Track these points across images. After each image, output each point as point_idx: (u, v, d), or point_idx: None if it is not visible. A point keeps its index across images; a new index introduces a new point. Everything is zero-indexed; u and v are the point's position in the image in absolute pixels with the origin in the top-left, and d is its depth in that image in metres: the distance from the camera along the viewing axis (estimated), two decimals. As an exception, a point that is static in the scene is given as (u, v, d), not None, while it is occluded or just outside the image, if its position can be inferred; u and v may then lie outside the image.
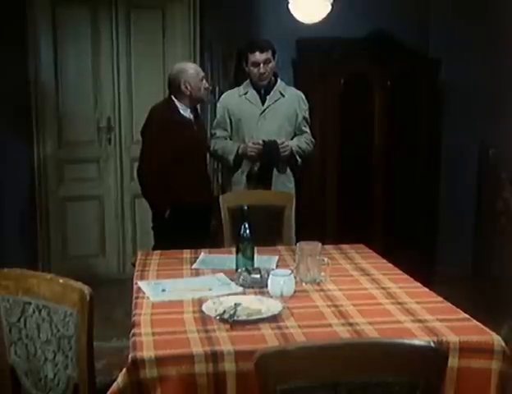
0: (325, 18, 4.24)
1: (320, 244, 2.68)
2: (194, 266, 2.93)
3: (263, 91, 4.08)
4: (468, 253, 5.48)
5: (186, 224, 3.83)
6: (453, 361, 1.99)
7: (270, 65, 3.99)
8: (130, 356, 1.94)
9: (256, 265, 2.73)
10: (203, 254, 3.11)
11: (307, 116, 4.16)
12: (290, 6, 4.23)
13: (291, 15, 4.29)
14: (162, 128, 3.84)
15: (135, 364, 1.91)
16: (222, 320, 2.16)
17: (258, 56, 3.97)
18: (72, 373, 2.11)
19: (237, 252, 2.75)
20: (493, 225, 5.11)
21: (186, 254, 3.14)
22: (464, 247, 5.46)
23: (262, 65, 3.97)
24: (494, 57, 5.08)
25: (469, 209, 5.52)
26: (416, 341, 1.82)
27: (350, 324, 2.17)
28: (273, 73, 4.10)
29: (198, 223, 3.91)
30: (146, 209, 4.20)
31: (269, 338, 2.04)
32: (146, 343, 2.01)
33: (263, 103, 4.06)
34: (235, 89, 4.24)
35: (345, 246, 3.32)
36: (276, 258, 3.03)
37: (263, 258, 2.92)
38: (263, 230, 3.24)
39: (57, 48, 5.29)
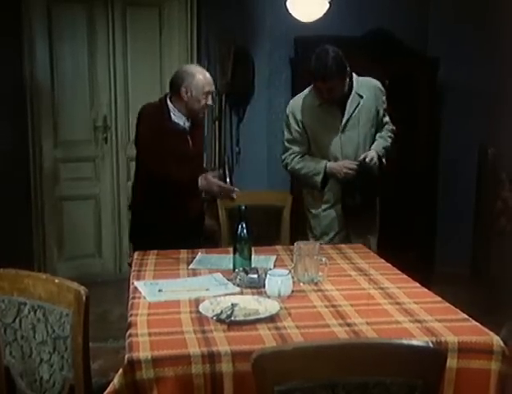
0: (323, 16, 4.23)
1: (318, 243, 2.67)
2: (191, 266, 2.91)
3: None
4: (467, 253, 5.48)
5: (173, 241, 3.28)
6: (452, 362, 1.98)
7: (338, 88, 3.45)
8: (126, 357, 1.92)
9: (253, 265, 2.72)
10: (200, 254, 3.09)
11: (386, 106, 3.71)
12: (287, 4, 4.22)
13: (289, 13, 4.27)
14: (150, 135, 3.39)
15: (132, 364, 1.90)
16: (219, 320, 2.15)
17: (321, 84, 3.45)
18: (68, 374, 2.09)
19: (234, 252, 2.74)
20: (492, 225, 5.10)
21: (183, 254, 3.12)
22: (463, 247, 5.45)
23: (325, 91, 3.46)
24: (493, 56, 5.08)
25: (468, 209, 5.52)
26: (414, 342, 1.81)
27: (348, 325, 2.15)
28: (349, 74, 3.56)
29: (186, 239, 3.38)
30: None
31: (266, 338, 2.03)
32: (142, 344, 1.99)
33: (342, 112, 3.55)
34: (306, 94, 3.64)
35: (343, 246, 3.31)
36: (274, 258, 3.01)
37: (261, 258, 2.91)
38: (261, 230, 3.22)
39: (53, 47, 5.28)
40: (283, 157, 3.72)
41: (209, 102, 3.49)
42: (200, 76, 3.44)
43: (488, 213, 5.23)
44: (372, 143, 3.64)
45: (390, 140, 3.72)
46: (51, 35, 5.25)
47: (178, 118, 3.46)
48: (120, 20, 5.37)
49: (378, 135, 3.68)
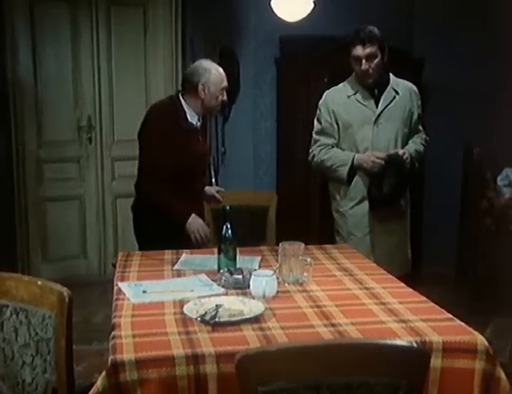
0: (308, 16, 4.23)
1: (303, 244, 2.66)
2: (176, 267, 2.89)
3: (377, 90, 3.50)
4: (452, 253, 5.49)
5: (174, 241, 3.25)
6: (436, 361, 1.98)
7: (375, 61, 3.39)
8: (109, 359, 1.90)
9: (238, 266, 2.70)
10: (184, 255, 3.08)
11: (420, 111, 3.67)
12: (272, 3, 4.22)
13: (274, 12, 4.28)
14: (164, 136, 3.26)
15: (115, 366, 1.88)
16: (204, 322, 2.13)
17: (360, 50, 3.37)
18: (51, 376, 2.07)
19: (219, 252, 2.72)
20: (477, 224, 5.12)
21: (168, 254, 3.10)
22: (449, 247, 5.47)
23: (364, 61, 3.37)
24: (478, 56, 5.10)
25: (454, 209, 5.54)
26: (399, 342, 1.81)
27: (333, 325, 2.15)
28: (387, 56, 3.49)
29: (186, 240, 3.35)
30: (127, 210, 4.13)
31: (251, 339, 2.01)
32: (126, 345, 1.97)
33: (377, 104, 3.50)
34: (340, 86, 3.60)
35: (328, 246, 3.30)
36: (259, 258, 3.00)
37: (246, 259, 2.90)
38: (246, 230, 3.21)
39: (36, 46, 5.22)
40: (310, 150, 3.62)
41: (225, 98, 3.38)
42: (216, 72, 3.32)
43: (474, 213, 5.25)
44: (405, 145, 3.58)
45: (422, 147, 3.66)
46: (34, 35, 5.19)
47: (192, 117, 3.35)
48: (104, 19, 5.32)
49: (411, 140, 3.63)
